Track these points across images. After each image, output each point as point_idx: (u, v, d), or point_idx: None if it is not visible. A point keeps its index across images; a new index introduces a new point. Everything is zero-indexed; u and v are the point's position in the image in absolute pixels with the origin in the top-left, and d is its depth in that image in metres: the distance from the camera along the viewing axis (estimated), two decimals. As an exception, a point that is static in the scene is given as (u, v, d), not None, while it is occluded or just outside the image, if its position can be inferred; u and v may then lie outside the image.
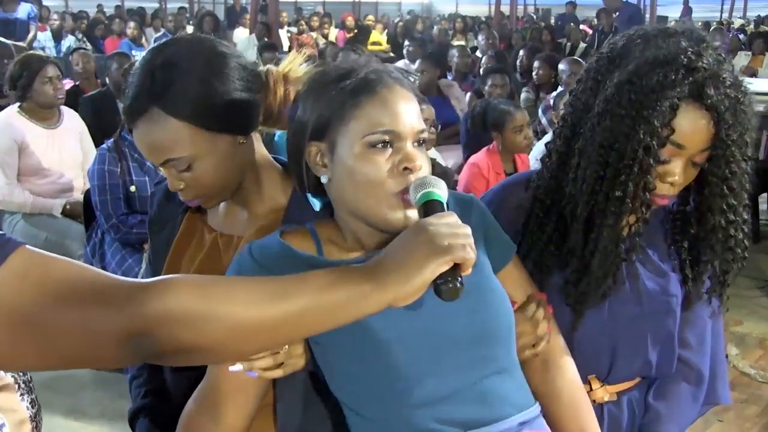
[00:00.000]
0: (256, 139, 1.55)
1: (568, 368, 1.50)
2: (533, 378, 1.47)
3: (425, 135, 1.32)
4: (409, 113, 1.30)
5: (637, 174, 1.42)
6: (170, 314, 1.00)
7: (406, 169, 1.27)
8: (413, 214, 1.26)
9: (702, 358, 1.71)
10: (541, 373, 1.49)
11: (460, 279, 1.11)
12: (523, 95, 6.51)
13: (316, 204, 1.41)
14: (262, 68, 1.54)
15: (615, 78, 1.45)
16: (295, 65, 1.54)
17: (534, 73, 6.66)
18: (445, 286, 1.10)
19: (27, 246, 1.00)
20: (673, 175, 1.45)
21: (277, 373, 1.35)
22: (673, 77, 1.39)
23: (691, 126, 1.41)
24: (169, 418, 1.50)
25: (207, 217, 1.62)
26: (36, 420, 1.64)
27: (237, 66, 1.46)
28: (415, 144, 1.30)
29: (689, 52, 1.41)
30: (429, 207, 1.21)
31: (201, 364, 1.31)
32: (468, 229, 1.15)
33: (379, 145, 1.27)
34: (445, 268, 1.10)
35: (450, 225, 1.13)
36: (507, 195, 1.64)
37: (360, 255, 1.36)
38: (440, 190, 1.23)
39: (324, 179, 1.34)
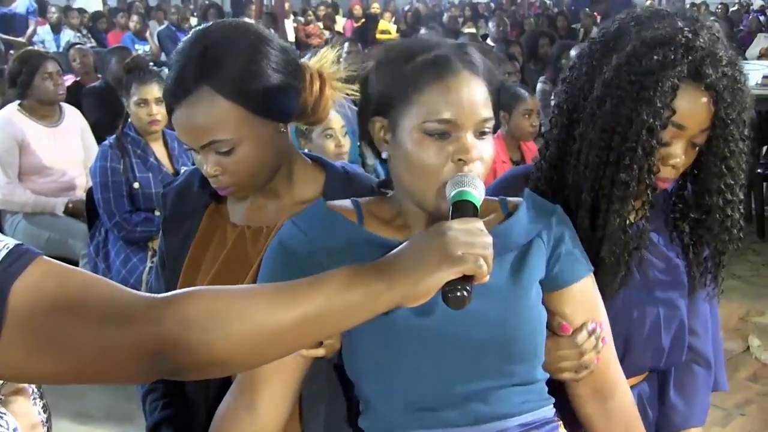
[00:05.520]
0: (289, 131, 1.55)
1: (623, 398, 1.45)
2: (584, 407, 1.45)
3: (489, 124, 1.30)
4: (472, 102, 1.27)
5: (641, 157, 1.41)
6: (186, 331, 1.00)
7: (460, 160, 1.25)
8: None
9: (706, 343, 1.70)
10: (593, 403, 1.44)
11: (468, 289, 1.10)
12: (539, 86, 6.30)
13: (382, 172, 1.37)
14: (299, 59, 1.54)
15: (613, 61, 1.44)
16: (327, 62, 1.53)
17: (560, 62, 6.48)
18: (452, 294, 1.10)
19: (45, 257, 0.99)
20: (674, 157, 1.45)
21: (319, 352, 1.35)
22: (672, 57, 1.39)
23: (690, 106, 1.41)
24: (192, 428, 1.52)
25: (228, 213, 1.59)
26: (47, 425, 1.66)
27: (283, 51, 1.47)
28: (477, 134, 1.28)
29: (686, 31, 1.42)
30: (459, 207, 1.19)
31: (220, 376, 1.29)
32: (489, 239, 1.12)
33: (436, 134, 1.26)
34: (455, 277, 1.09)
35: (470, 233, 1.11)
36: (508, 188, 1.60)
37: (401, 238, 1.32)
38: (476, 191, 1.21)
39: (384, 155, 1.34)
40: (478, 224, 1.14)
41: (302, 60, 1.53)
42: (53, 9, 10.48)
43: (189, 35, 1.48)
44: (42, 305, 0.95)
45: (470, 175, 1.23)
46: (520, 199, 1.40)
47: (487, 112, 1.29)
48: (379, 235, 1.34)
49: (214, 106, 1.39)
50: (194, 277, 1.55)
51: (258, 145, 1.44)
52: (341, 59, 1.59)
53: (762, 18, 12.40)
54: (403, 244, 1.15)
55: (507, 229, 1.35)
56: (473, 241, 1.10)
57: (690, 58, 1.39)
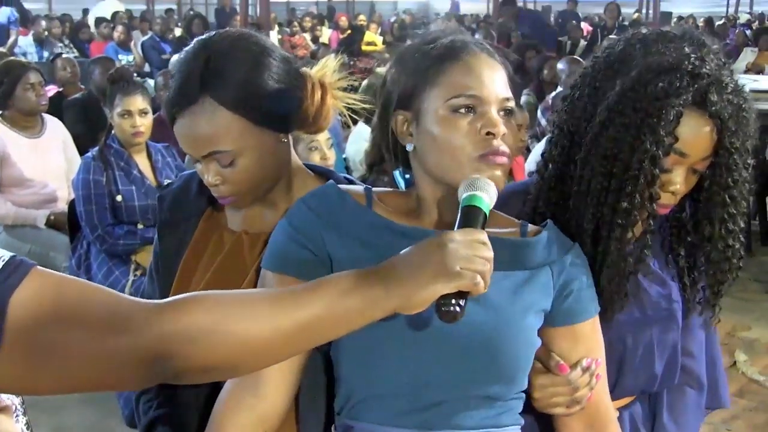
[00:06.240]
0: (290, 141, 1.55)
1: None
2: None
3: (511, 104, 1.32)
4: (493, 80, 1.30)
5: (643, 185, 1.39)
6: (185, 336, 1.01)
7: (489, 134, 1.26)
8: (498, 174, 1.27)
9: (701, 365, 1.68)
10: None
11: (461, 304, 1.11)
12: (523, 98, 6.31)
13: (401, 183, 1.42)
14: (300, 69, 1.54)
15: (617, 85, 1.42)
16: (328, 70, 1.53)
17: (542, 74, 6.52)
18: (445, 308, 1.11)
19: (39, 268, 0.99)
20: (674, 184, 1.43)
21: None
22: (678, 84, 1.36)
23: (694, 133, 1.39)
24: (188, 426, 1.52)
25: (225, 219, 1.59)
26: None
27: (284, 61, 1.47)
28: (501, 113, 1.30)
29: (693, 58, 1.39)
30: (468, 214, 1.18)
31: (220, 380, 1.31)
32: (490, 254, 1.12)
33: (462, 110, 1.28)
34: (450, 291, 1.10)
35: (471, 246, 1.11)
36: (505, 205, 1.56)
37: (409, 224, 1.35)
38: (488, 196, 1.21)
39: (409, 147, 1.34)
40: (482, 236, 1.13)
41: (303, 69, 1.53)
42: (43, 23, 10.39)
43: (191, 45, 1.48)
44: (41, 317, 0.95)
45: (481, 180, 1.22)
46: (541, 228, 1.40)
47: (507, 92, 1.31)
48: (386, 218, 1.34)
49: (217, 117, 1.39)
50: (188, 282, 1.54)
51: (259, 155, 1.44)
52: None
53: (748, 32, 12.46)
54: (404, 251, 1.15)
55: (523, 246, 1.34)
56: (474, 254, 1.10)
57: (696, 85, 1.37)
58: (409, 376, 1.29)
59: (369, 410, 1.32)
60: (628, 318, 1.53)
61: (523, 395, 1.36)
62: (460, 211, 1.19)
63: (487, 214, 1.20)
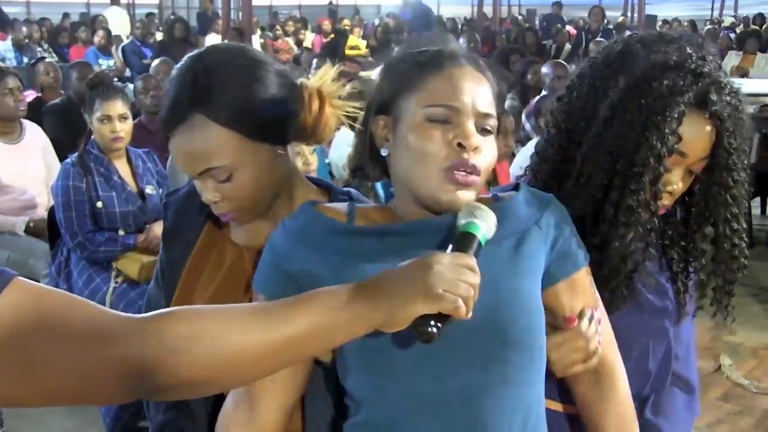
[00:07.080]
0: (289, 154, 1.53)
1: (620, 384, 1.43)
2: (581, 390, 1.43)
3: (491, 123, 1.29)
4: (474, 93, 1.28)
5: (647, 182, 1.40)
6: (168, 352, 1.00)
7: (460, 145, 1.24)
8: (465, 195, 1.25)
9: (688, 368, 1.69)
10: (590, 385, 1.42)
11: (439, 326, 1.11)
12: (507, 102, 6.33)
13: (381, 195, 1.43)
14: (297, 80, 1.53)
15: (620, 82, 1.43)
16: (327, 80, 1.50)
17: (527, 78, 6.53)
18: (422, 328, 1.11)
19: (21, 278, 0.98)
20: (672, 184, 1.44)
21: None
22: (682, 83, 1.38)
23: (694, 133, 1.40)
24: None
25: (230, 231, 1.58)
26: None
27: (276, 73, 1.46)
28: (479, 129, 1.27)
29: (695, 57, 1.42)
30: (461, 239, 1.19)
31: (202, 395, 1.28)
32: (476, 280, 1.12)
33: (437, 120, 1.26)
34: (431, 312, 1.10)
35: (458, 270, 1.11)
36: None
37: (392, 223, 1.34)
38: (484, 224, 1.21)
39: (384, 152, 1.33)
40: (471, 262, 1.13)
41: (301, 80, 1.51)
42: (24, 29, 10.29)
43: (183, 61, 1.47)
44: (22, 328, 0.94)
45: (482, 208, 1.22)
46: (514, 192, 1.38)
47: (489, 109, 1.29)
48: (368, 226, 1.33)
49: (209, 134, 1.38)
50: (190, 295, 1.54)
51: (256, 170, 1.43)
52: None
53: (732, 35, 12.51)
54: (391, 268, 1.15)
55: (505, 211, 1.31)
56: (458, 279, 1.10)
57: (699, 84, 1.39)
58: (427, 372, 1.25)
59: (404, 414, 1.28)
60: (626, 321, 1.52)
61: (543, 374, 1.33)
62: (455, 236, 1.20)
63: (483, 244, 1.19)
